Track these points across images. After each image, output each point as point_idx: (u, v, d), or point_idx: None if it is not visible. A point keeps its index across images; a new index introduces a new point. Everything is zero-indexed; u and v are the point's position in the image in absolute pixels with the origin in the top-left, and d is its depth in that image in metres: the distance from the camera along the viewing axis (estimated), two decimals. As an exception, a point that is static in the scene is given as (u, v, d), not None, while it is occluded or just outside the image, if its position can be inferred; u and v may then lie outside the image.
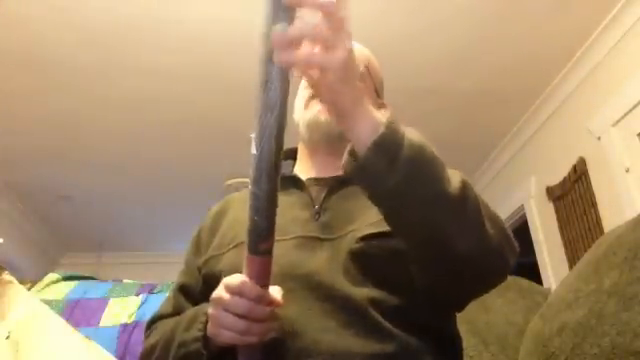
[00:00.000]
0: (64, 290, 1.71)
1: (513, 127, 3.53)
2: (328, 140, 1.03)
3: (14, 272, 1.18)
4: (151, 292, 2.24)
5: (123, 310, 2.07)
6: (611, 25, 2.60)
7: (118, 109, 3.17)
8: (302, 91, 1.07)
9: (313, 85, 0.66)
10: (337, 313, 0.81)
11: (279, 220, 0.94)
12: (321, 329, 0.80)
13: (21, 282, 1.23)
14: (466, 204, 0.73)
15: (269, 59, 0.60)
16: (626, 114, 2.54)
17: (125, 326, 1.99)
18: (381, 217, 0.79)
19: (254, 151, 0.65)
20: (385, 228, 0.81)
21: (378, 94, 1.09)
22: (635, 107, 2.49)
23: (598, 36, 2.68)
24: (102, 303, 2.07)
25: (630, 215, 1.18)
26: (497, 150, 3.81)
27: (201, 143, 3.57)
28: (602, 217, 2.69)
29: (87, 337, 1.28)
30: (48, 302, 1.63)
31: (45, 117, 3.22)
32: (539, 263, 3.34)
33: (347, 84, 0.64)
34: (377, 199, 0.72)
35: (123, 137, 3.47)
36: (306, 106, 1.03)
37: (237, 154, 3.56)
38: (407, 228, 0.74)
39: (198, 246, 1.06)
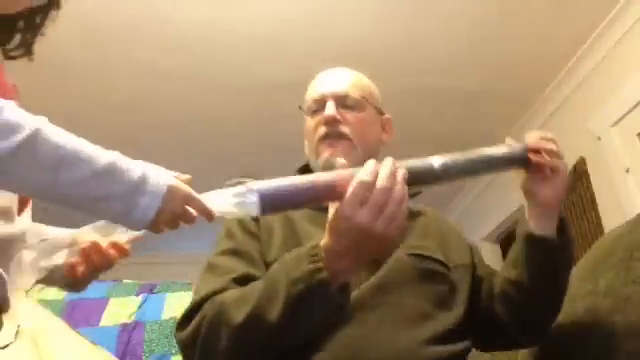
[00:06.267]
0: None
1: (513, 127, 3.53)
2: None
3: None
4: (151, 292, 2.24)
5: (123, 310, 2.07)
6: (611, 25, 2.60)
7: (117, 110, 3.17)
8: (310, 137, 1.12)
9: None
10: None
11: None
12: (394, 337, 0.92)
13: None
14: None
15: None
16: (626, 114, 2.54)
17: (125, 326, 2.00)
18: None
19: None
20: (418, 251, 1.05)
21: (381, 112, 1.17)
22: (635, 107, 2.48)
23: (598, 36, 2.68)
24: (102, 303, 2.08)
25: (630, 215, 1.18)
26: (497, 150, 3.80)
27: (200, 143, 3.57)
28: (602, 217, 2.69)
29: (87, 337, 1.28)
30: (48, 302, 1.64)
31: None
32: (539, 263, 3.33)
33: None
34: (552, 262, 0.97)
35: (122, 138, 3.44)
36: (317, 151, 1.09)
37: (236, 154, 3.58)
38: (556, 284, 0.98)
39: (257, 236, 1.03)
